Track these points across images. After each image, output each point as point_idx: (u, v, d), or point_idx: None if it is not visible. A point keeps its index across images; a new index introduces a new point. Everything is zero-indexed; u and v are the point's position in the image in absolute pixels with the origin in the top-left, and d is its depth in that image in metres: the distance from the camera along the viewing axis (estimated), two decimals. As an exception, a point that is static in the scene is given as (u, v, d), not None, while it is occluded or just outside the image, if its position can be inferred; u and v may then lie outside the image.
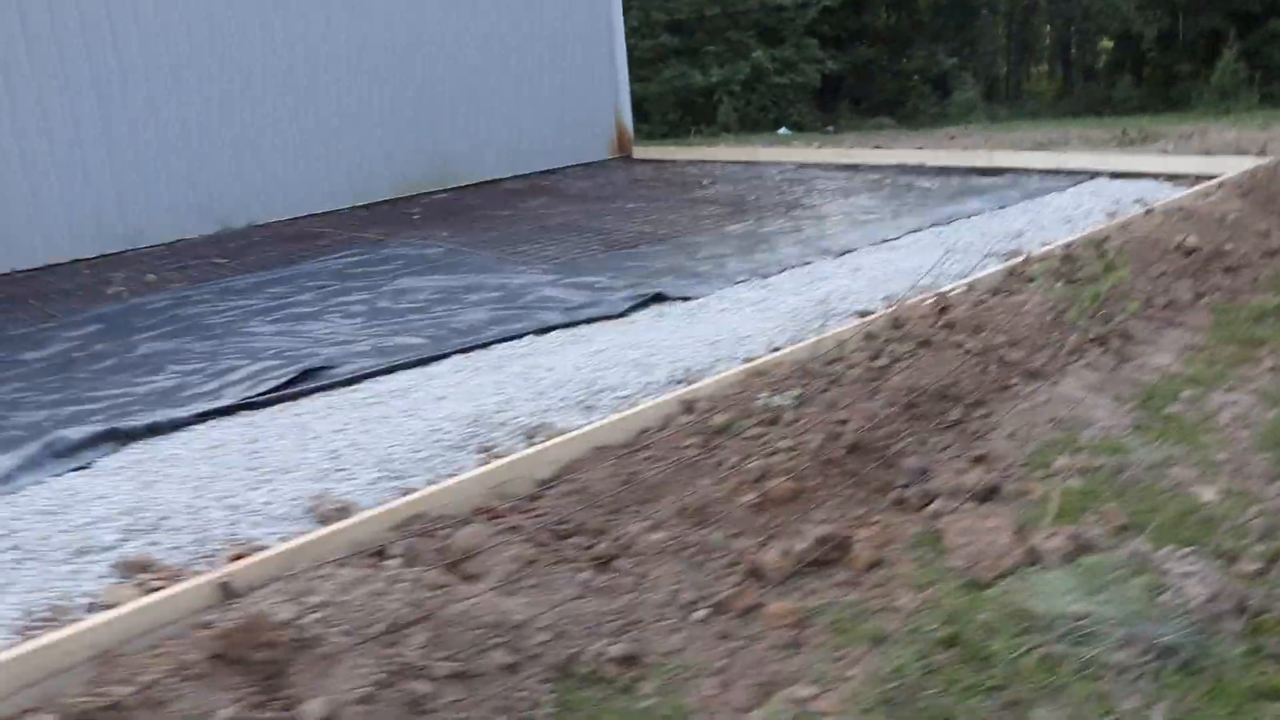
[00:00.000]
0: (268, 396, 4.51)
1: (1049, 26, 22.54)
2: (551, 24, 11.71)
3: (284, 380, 4.67)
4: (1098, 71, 21.64)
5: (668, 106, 18.27)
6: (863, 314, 4.81)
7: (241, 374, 4.89)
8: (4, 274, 8.24)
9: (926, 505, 3.21)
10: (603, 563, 2.88)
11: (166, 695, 2.31)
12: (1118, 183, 7.97)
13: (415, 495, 3.15)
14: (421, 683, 2.37)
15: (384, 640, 2.44)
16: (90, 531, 3.40)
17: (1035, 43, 23.57)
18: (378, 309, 5.91)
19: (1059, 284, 4.84)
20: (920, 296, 4.68)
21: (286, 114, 9.83)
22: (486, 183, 11.06)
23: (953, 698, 2.40)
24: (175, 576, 3.05)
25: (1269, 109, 15.31)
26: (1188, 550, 2.82)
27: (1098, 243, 5.41)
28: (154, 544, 3.27)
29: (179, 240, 9.11)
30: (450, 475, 3.51)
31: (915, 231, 6.77)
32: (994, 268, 5.28)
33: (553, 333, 5.08)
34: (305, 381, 4.66)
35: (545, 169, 11.63)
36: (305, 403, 4.45)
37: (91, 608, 2.91)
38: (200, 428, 4.30)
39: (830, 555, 2.92)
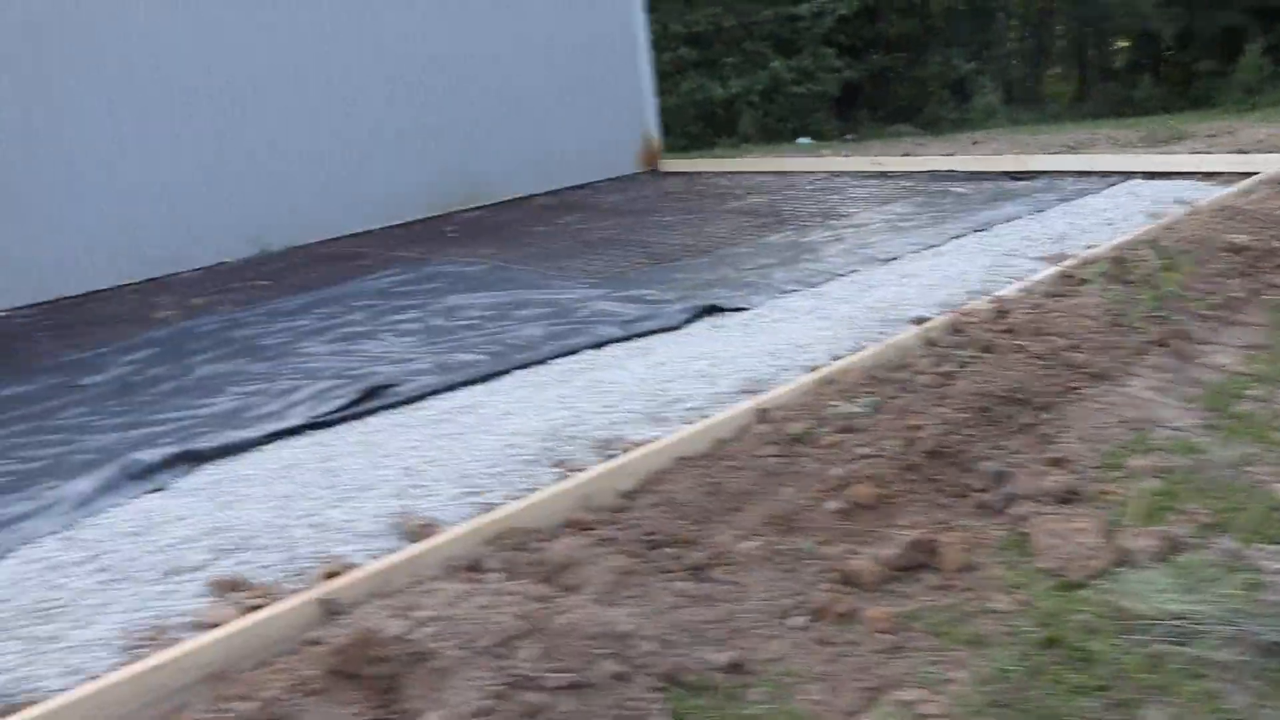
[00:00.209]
0: (335, 416, 4.56)
1: (1065, 28, 22.53)
2: (578, 38, 11.79)
3: (349, 399, 4.72)
4: (1115, 72, 21.63)
5: (687, 119, 18.34)
6: (918, 320, 4.84)
7: (304, 394, 4.95)
8: (51, 301, 8.35)
9: (1008, 508, 3.24)
10: (698, 572, 2.92)
11: (288, 711, 2.36)
12: (1153, 183, 7.97)
13: (505, 510, 3.20)
14: (536, 694, 2.41)
15: (495, 653, 2.48)
16: (178, 552, 3.46)
17: (1050, 45, 23.54)
18: (431, 327, 5.97)
19: (1114, 286, 4.86)
20: (976, 301, 4.71)
21: (322, 135, 9.93)
22: (518, 199, 11.13)
23: (1059, 698, 2.42)
24: (270, 595, 3.11)
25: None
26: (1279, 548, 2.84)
27: (1148, 243, 5.43)
28: (243, 563, 3.32)
29: (219, 264, 9.21)
30: (529, 489, 3.56)
31: (957, 237, 6.79)
32: (1045, 271, 5.31)
33: (611, 346, 5.13)
34: (371, 400, 4.71)
35: (575, 184, 11.69)
36: (373, 421, 4.50)
37: (195, 627, 2.97)
38: (270, 448, 4.36)
39: (921, 559, 2.95)
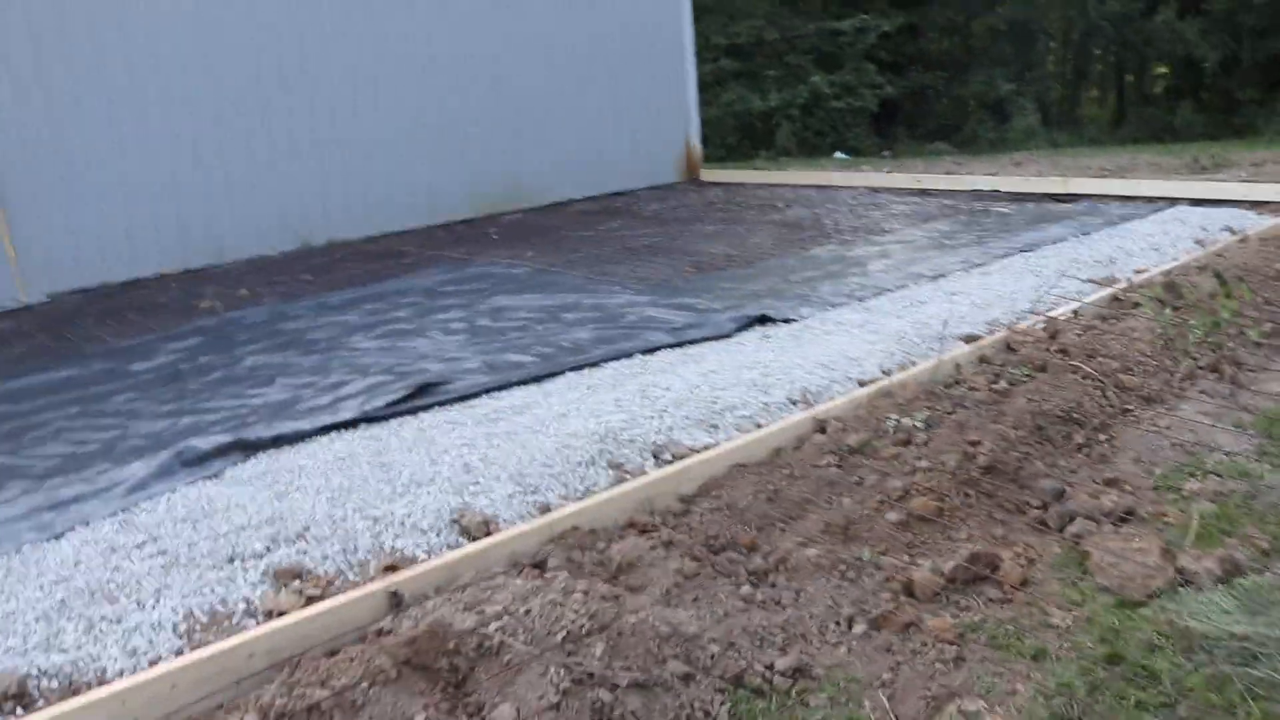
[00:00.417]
0: (388, 410, 4.61)
1: (1103, 51, 22.45)
2: (625, 45, 11.87)
3: (401, 395, 4.77)
4: (1154, 97, 21.53)
5: (726, 130, 18.40)
6: (969, 338, 4.86)
7: (355, 388, 5.00)
8: (95, 286, 8.47)
9: (1066, 526, 3.25)
10: (759, 577, 2.95)
11: (362, 699, 2.40)
12: (1200, 210, 7.96)
13: (568, 509, 3.23)
14: (604, 691, 2.44)
15: (565, 649, 2.51)
16: (236, 539, 3.50)
17: (1089, 68, 23.45)
18: (478, 327, 6.02)
19: (1165, 310, 4.86)
20: (1028, 321, 4.72)
21: (366, 130, 10.03)
22: (559, 204, 11.21)
23: (1123, 714, 2.43)
24: (330, 584, 3.15)
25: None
26: (1340, 575, 2.84)
27: (1198, 269, 5.42)
28: (302, 552, 3.36)
29: (260, 256, 9.32)
30: (586, 490, 3.60)
31: (1004, 257, 6.80)
32: (1096, 294, 5.31)
33: (661, 352, 5.16)
34: (422, 396, 4.76)
35: (617, 190, 11.76)
36: (426, 417, 4.55)
37: (258, 613, 3.01)
38: (324, 440, 4.41)
39: (980, 573, 2.97)
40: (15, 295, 8.13)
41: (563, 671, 2.45)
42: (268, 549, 3.42)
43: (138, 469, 4.21)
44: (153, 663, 2.79)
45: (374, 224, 10.06)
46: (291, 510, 3.69)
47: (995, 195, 9.56)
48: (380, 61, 10.06)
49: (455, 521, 3.47)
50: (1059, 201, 9.01)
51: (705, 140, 13.66)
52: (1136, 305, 4.95)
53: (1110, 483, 3.52)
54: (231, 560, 3.37)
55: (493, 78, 10.87)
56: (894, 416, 3.74)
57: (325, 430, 4.50)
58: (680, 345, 5.24)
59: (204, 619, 3.02)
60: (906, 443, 3.58)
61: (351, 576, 3.20)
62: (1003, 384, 4.06)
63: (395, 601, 2.87)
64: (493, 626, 2.56)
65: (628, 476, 3.66)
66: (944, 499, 3.28)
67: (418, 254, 8.75)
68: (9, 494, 4.10)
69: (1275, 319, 5.03)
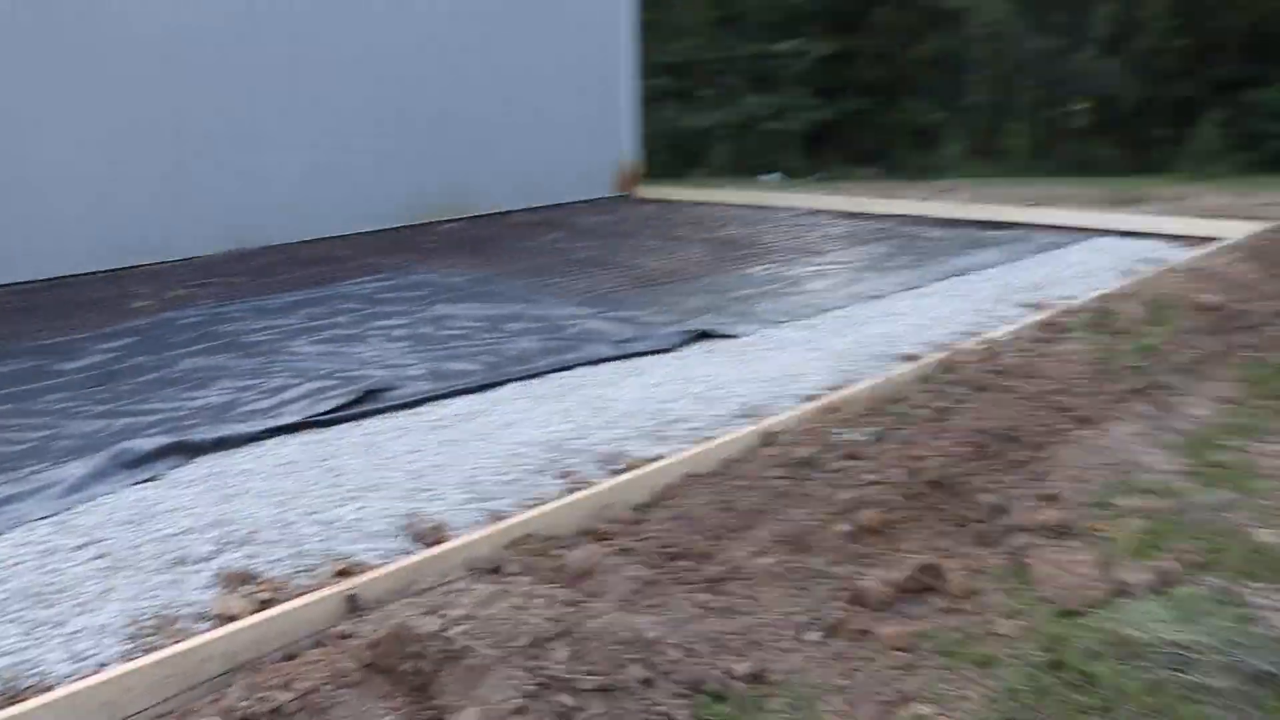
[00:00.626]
0: (335, 415, 4.58)
1: (1028, 86, 23.12)
2: (567, 59, 11.94)
3: (346, 400, 4.74)
4: (1075, 132, 22.19)
5: (659, 147, 18.52)
6: (908, 357, 4.98)
7: (297, 392, 4.96)
8: (22, 282, 8.26)
9: (1007, 539, 3.35)
10: (716, 584, 3.00)
11: (326, 702, 2.40)
12: (1125, 241, 8.24)
13: (524, 515, 3.26)
14: (568, 695, 2.46)
15: (529, 653, 2.53)
16: (182, 542, 3.46)
17: (1014, 101, 24.09)
18: (420, 334, 6.00)
19: (1097, 336, 5.04)
20: (968, 342, 4.86)
21: (304, 135, 9.94)
22: (497, 215, 11.21)
23: (1067, 718, 2.53)
24: (281, 589, 3.13)
25: (1248, 175, 15.83)
26: (1265, 586, 2.99)
27: (1125, 297, 5.63)
28: (251, 557, 3.33)
29: (195, 258, 9.16)
30: (537, 499, 3.62)
31: (940, 280, 6.97)
32: (1030, 318, 5.49)
33: (606, 365, 5.20)
34: (368, 402, 4.74)
35: (554, 203, 11.79)
36: (372, 423, 4.53)
37: (208, 617, 2.97)
38: (269, 443, 4.37)
39: (928, 583, 3.06)
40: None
41: (527, 675, 2.47)
42: (216, 553, 3.38)
43: (74, 470, 4.12)
44: (100, 667, 2.74)
45: (311, 228, 9.95)
46: (238, 514, 3.65)
47: (928, 220, 9.78)
48: (318, 61, 9.97)
49: (407, 527, 3.47)
50: (990, 229, 9.24)
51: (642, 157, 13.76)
52: (1069, 330, 5.12)
53: (1048, 499, 3.64)
54: (178, 564, 3.32)
55: (435, 85, 10.85)
56: (841, 431, 3.83)
57: (270, 434, 4.45)
58: (624, 358, 5.30)
59: (152, 623, 2.97)
60: (854, 457, 3.67)
61: (304, 581, 3.18)
62: (945, 403, 4.18)
63: (352, 605, 2.86)
64: (456, 630, 2.57)
65: (578, 485, 3.69)
66: (891, 512, 3.37)
67: (355, 260, 8.69)
68: (-67, 492, 3.99)
69: (1199, 347, 5.25)
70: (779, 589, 3.02)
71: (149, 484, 4.03)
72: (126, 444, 4.27)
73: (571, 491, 3.59)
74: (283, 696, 2.38)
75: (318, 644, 2.72)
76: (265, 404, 4.89)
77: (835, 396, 4.22)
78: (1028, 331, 5.19)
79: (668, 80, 19.12)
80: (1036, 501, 3.62)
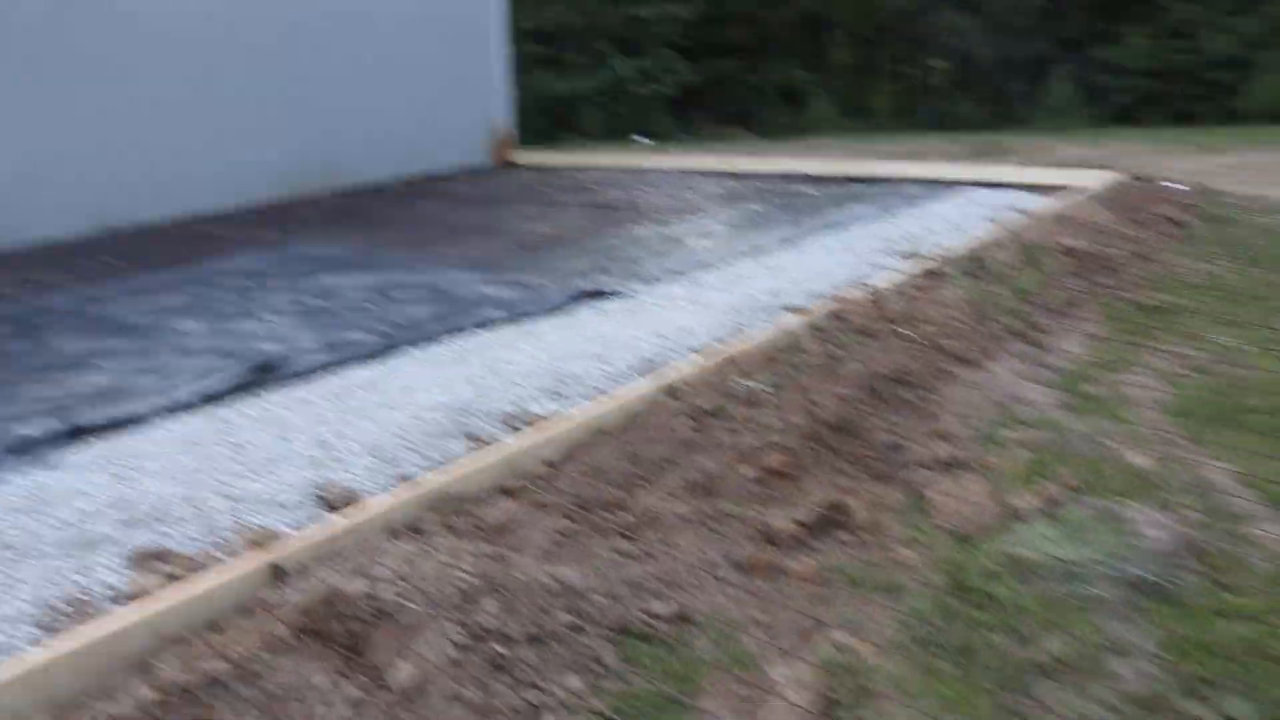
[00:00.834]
0: (231, 391, 4.51)
1: (889, 45, 23.71)
2: (437, 27, 11.77)
3: (241, 375, 4.67)
4: (936, 89, 22.90)
5: (532, 114, 18.43)
6: (795, 309, 5.13)
7: (188, 371, 4.86)
8: None
9: (904, 474, 3.53)
10: (632, 532, 3.09)
11: (261, 668, 2.41)
12: (989, 191, 8.58)
13: (438, 477, 3.29)
14: (500, 645, 2.53)
15: (459, 608, 2.59)
16: (85, 526, 3.38)
17: (878, 60, 24.69)
18: (309, 306, 5.91)
19: (974, 281, 5.28)
20: (853, 292, 5.04)
21: (169, 110, 9.59)
22: (372, 187, 11.03)
23: (974, 635, 2.71)
24: (198, 565, 3.10)
25: (1098, 128, 16.66)
26: (1140, 504, 3.23)
27: (996, 245, 5.89)
28: (163, 535, 3.28)
29: (53, 239, 8.79)
30: (445, 460, 3.64)
31: (817, 234, 7.16)
32: (908, 267, 5.70)
33: (498, 328, 5.23)
34: (263, 376, 4.68)
35: (430, 174, 11.66)
36: (271, 397, 4.47)
37: (127, 597, 2.93)
38: (164, 422, 4.28)
39: (834, 519, 3.21)
40: None
41: (459, 629, 2.53)
42: (123, 534, 3.31)
43: (-44, 458, 3.98)
44: (11, 657, 2.68)
45: (180, 204, 9.62)
46: (142, 494, 3.58)
47: (801, 178, 10.01)
48: (182, 34, 9.63)
49: (319, 496, 3.46)
50: (862, 184, 9.51)
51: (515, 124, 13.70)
52: (946, 277, 5.35)
53: (939, 435, 3.84)
54: (85, 547, 3.25)
55: (301, 55, 10.58)
56: (740, 381, 3.95)
57: (164, 412, 4.36)
58: (516, 321, 5.33)
59: (66, 609, 2.91)
60: (755, 404, 3.79)
61: (220, 555, 3.15)
62: (835, 350, 4.34)
63: (277, 574, 2.86)
64: (384, 590, 2.61)
65: (484, 446, 3.72)
66: (794, 455, 3.51)
67: (230, 237, 8.47)
68: None
69: (1067, 288, 5.55)
70: (693, 533, 3.13)
71: (42, 469, 3.91)
72: (16, 430, 4.14)
73: (481, 450, 3.63)
74: (218, 665, 2.39)
75: (244, 613, 2.71)
76: (155, 383, 4.78)
77: (732, 349, 4.33)
78: (909, 280, 5.40)
79: (537, 47, 19.01)
80: (929, 438, 3.82)
